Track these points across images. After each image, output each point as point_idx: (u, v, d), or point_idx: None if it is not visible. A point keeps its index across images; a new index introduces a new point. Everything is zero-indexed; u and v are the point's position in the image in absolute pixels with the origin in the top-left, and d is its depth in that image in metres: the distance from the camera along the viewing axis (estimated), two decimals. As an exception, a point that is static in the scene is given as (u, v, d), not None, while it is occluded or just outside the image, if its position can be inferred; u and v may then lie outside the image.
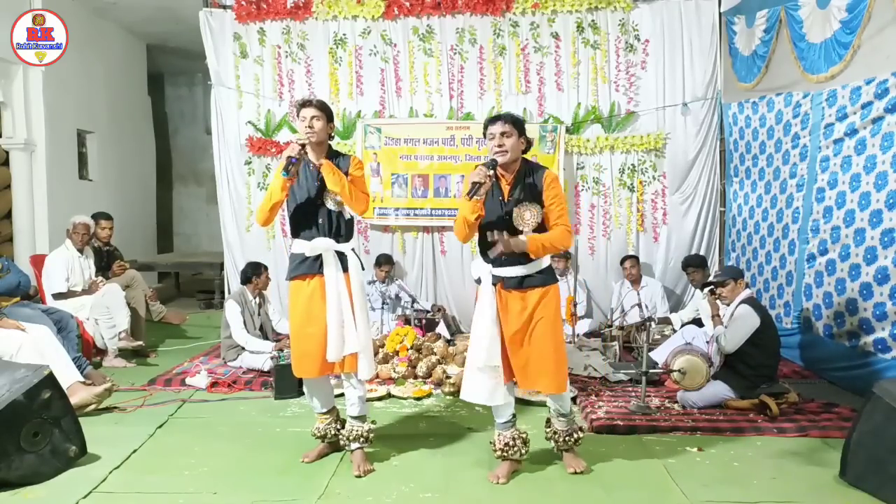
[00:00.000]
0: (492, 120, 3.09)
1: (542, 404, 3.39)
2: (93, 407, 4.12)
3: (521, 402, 3.98)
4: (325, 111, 3.27)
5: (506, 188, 3.10)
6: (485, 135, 3.13)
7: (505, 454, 3.20)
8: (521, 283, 3.09)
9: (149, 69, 9.81)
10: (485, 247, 3.14)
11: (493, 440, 3.26)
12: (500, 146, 3.02)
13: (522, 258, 3.05)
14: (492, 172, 3.00)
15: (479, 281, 3.17)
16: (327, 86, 6.62)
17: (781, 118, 5.48)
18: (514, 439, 3.20)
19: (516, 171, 3.11)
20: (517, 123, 3.07)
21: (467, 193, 2.97)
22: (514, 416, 3.25)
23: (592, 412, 4.06)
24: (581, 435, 3.31)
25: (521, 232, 3.03)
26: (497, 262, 3.09)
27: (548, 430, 3.34)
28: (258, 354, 5.04)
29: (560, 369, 3.14)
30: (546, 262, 3.14)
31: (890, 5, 4.13)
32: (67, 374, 4.12)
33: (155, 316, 5.96)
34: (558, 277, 3.91)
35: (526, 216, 3.03)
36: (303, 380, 3.51)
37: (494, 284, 3.11)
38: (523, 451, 3.23)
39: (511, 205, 3.06)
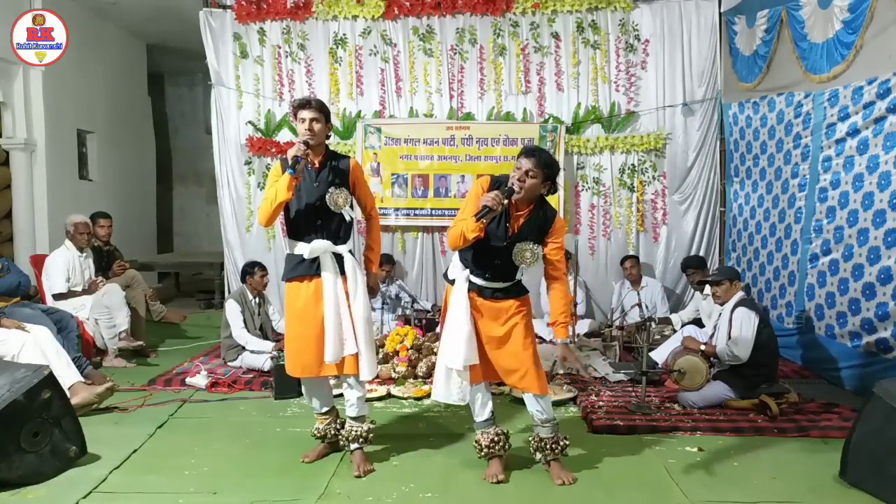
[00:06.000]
0: (527, 153, 3.04)
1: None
2: (94, 406, 4.12)
3: (519, 402, 3.96)
4: (324, 112, 3.28)
5: (514, 222, 3.11)
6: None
7: (491, 451, 3.23)
8: (494, 294, 3.17)
9: (149, 69, 9.80)
10: (468, 255, 3.17)
11: (477, 440, 3.29)
12: (520, 181, 3.01)
13: (506, 276, 3.15)
14: (506, 202, 3.00)
15: (452, 282, 3.23)
16: (327, 86, 6.62)
17: (783, 118, 5.48)
18: (497, 435, 3.25)
19: (530, 210, 3.12)
20: (547, 167, 3.03)
21: (475, 214, 2.96)
22: (493, 412, 3.30)
23: (592, 412, 4.06)
24: (567, 443, 3.27)
25: (515, 262, 3.11)
26: (478, 272, 3.14)
27: (532, 441, 3.30)
28: (258, 354, 5.04)
29: (540, 373, 3.19)
30: (520, 277, 3.23)
31: (893, 5, 4.13)
32: (68, 375, 4.12)
33: (155, 316, 5.96)
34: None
35: (526, 255, 3.10)
36: (301, 380, 3.51)
37: (469, 290, 3.16)
38: (507, 447, 3.28)
39: (515, 240, 3.10)
